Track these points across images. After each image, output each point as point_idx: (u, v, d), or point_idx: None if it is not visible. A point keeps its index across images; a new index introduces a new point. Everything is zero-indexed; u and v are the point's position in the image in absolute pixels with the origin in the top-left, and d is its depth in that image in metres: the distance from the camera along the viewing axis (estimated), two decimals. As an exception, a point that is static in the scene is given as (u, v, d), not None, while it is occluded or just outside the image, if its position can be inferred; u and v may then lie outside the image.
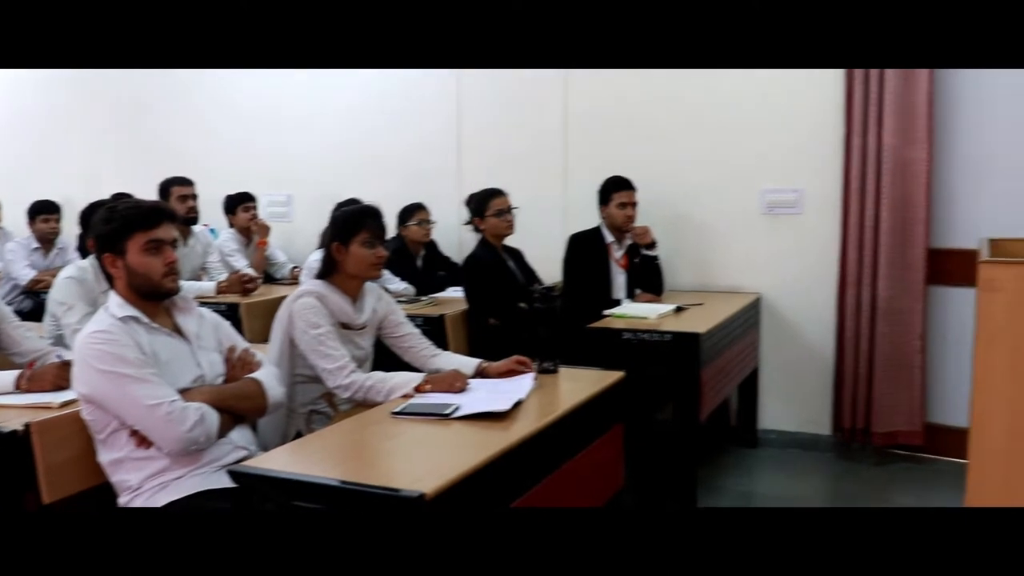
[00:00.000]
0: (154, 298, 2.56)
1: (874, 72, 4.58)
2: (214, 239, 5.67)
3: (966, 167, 4.65)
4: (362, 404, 2.91)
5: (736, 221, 5.05)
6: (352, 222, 3.11)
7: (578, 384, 2.99)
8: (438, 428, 2.52)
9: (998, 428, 2.00)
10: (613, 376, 3.09)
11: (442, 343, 4.05)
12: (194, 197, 5.24)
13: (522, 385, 2.85)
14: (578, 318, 4.24)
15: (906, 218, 4.61)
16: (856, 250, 4.72)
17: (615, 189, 4.74)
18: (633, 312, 4.28)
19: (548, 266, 4.87)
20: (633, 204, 4.76)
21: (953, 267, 4.57)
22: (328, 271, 3.12)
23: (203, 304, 2.91)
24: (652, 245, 4.81)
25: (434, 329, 4.31)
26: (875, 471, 4.77)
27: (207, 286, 4.90)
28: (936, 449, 4.70)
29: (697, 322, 4.11)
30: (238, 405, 2.61)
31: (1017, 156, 4.55)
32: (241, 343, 2.81)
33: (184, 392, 2.48)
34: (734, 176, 5.02)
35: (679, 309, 4.41)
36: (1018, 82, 4.48)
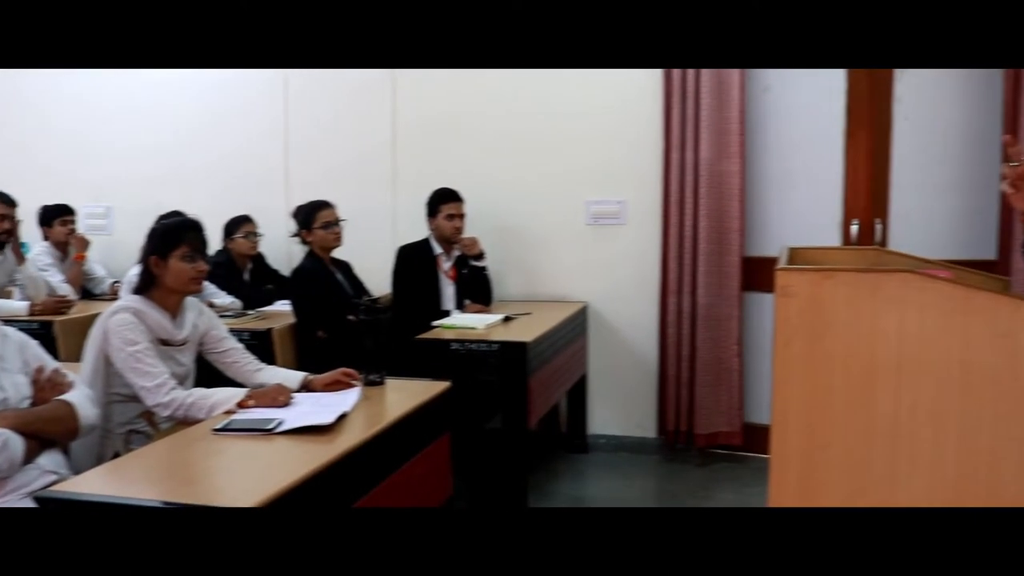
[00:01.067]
0: None
1: (691, 91, 4.78)
2: (25, 253, 5.38)
3: (775, 180, 4.95)
4: (183, 422, 2.82)
5: (562, 231, 5.17)
6: (171, 235, 3.03)
7: (404, 395, 3.00)
8: (261, 444, 2.48)
9: (796, 426, 2.13)
10: (440, 386, 3.12)
11: (269, 357, 3.99)
12: (11, 219, 4.96)
13: (347, 398, 2.84)
14: (408, 330, 4.25)
15: (722, 228, 4.84)
16: (676, 259, 4.90)
17: (442, 201, 4.78)
18: (462, 323, 4.32)
19: (378, 278, 4.85)
20: (461, 215, 4.80)
21: (765, 274, 4.76)
22: (146, 286, 3.03)
23: (9, 323, 2.77)
24: (480, 256, 4.87)
25: (261, 343, 4.23)
26: (699, 471, 4.95)
27: (18, 306, 4.64)
28: (755, 447, 4.92)
29: (524, 331, 4.18)
30: (46, 429, 2.50)
31: (816, 170, 4.91)
32: (50, 363, 2.69)
33: (-14, 417, 2.37)
34: (560, 188, 5.14)
35: (507, 319, 4.47)
36: (815, 102, 4.88)
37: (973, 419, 2.04)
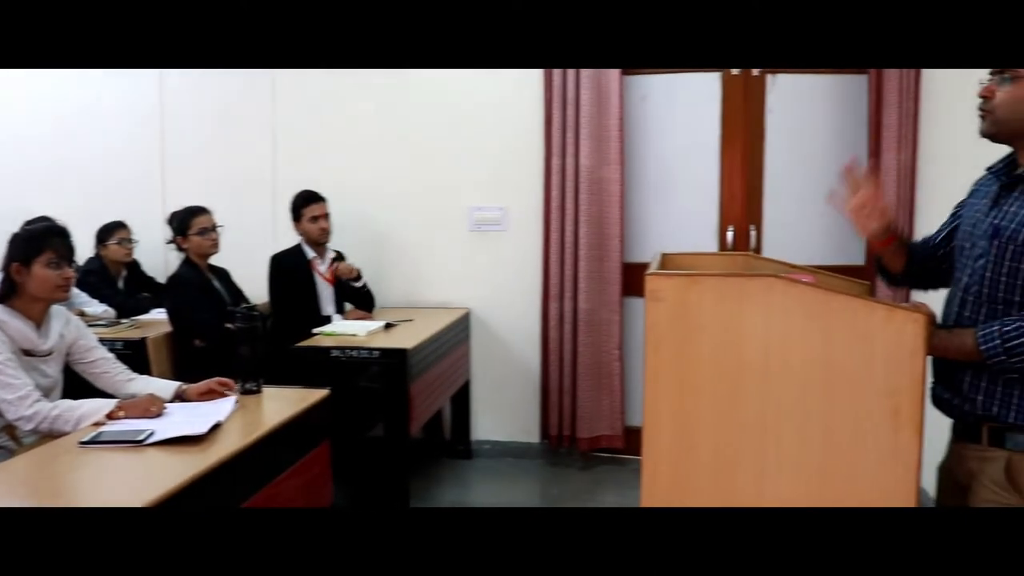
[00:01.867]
0: None
1: (571, 98, 4.84)
2: None
3: (654, 187, 5.05)
4: (49, 436, 2.73)
5: (445, 238, 5.17)
6: (34, 241, 2.92)
7: (282, 403, 2.97)
8: (131, 456, 2.42)
9: (666, 428, 2.17)
10: (318, 394, 3.09)
11: (144, 367, 3.88)
12: None
13: (222, 407, 2.79)
14: (288, 338, 4.20)
15: (602, 234, 4.91)
16: (558, 265, 4.95)
17: (304, 204, 4.73)
18: (342, 330, 4.29)
19: (258, 285, 4.75)
20: (325, 216, 4.74)
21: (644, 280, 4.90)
22: (8, 294, 2.91)
23: None
24: (358, 278, 4.83)
25: (136, 353, 4.11)
26: (581, 475, 5.01)
27: None
28: (637, 450, 4.91)
29: (406, 338, 4.18)
30: None
31: (693, 177, 5.04)
32: None
33: None
34: (443, 194, 5.14)
35: (388, 326, 4.45)
36: (691, 111, 5.01)
37: (835, 419, 2.10)
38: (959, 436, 2.23)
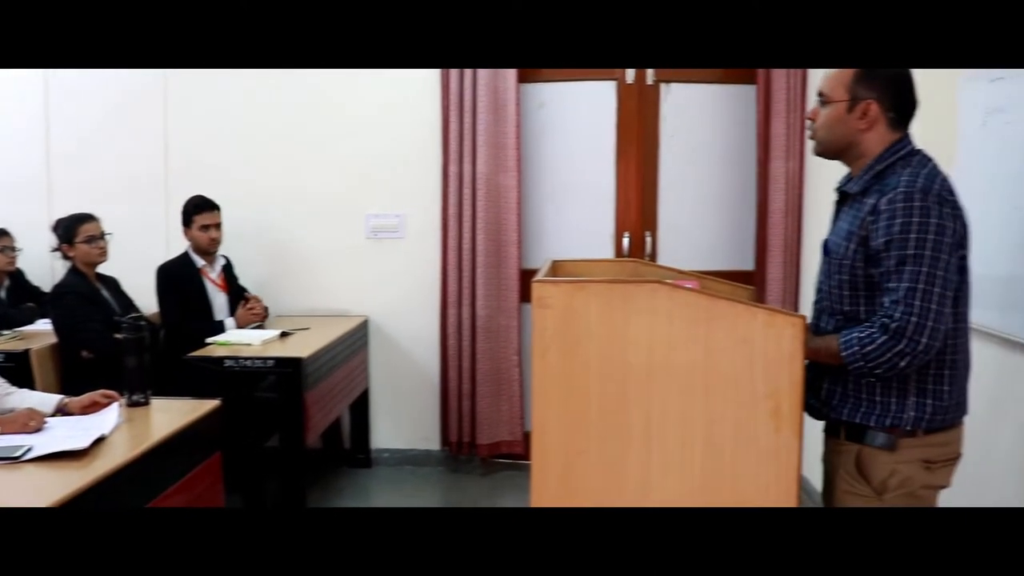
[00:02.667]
0: None
1: (468, 106, 4.85)
2: None
3: (551, 193, 5.11)
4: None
5: (342, 245, 5.13)
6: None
7: (171, 415, 2.91)
8: (7, 473, 2.34)
9: (554, 433, 2.19)
10: (208, 405, 3.03)
11: (28, 380, 3.75)
12: None
13: (106, 420, 2.72)
14: (181, 348, 4.12)
15: (500, 241, 4.93)
16: (456, 272, 4.95)
17: (196, 211, 4.61)
18: (237, 339, 4.22)
19: (151, 294, 4.61)
20: (217, 225, 4.65)
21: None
22: None
23: None
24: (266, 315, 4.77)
25: (19, 365, 3.98)
26: (482, 481, 5.03)
27: None
28: (536, 456, 5.00)
29: (301, 347, 4.13)
30: None
31: (590, 184, 5.11)
32: None
33: None
34: (339, 201, 5.10)
35: (284, 334, 4.40)
36: (587, 119, 5.08)
37: (718, 420, 2.15)
38: (827, 431, 2.38)
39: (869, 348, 2.08)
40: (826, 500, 2.47)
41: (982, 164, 2.83)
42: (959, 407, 2.24)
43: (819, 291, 2.35)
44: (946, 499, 2.30)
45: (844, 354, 2.13)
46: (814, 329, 2.34)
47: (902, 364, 2.06)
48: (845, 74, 2.20)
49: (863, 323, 2.15)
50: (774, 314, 2.14)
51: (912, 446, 2.19)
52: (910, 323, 2.03)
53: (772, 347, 2.12)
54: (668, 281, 2.21)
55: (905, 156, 2.19)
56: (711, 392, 2.14)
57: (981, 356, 2.87)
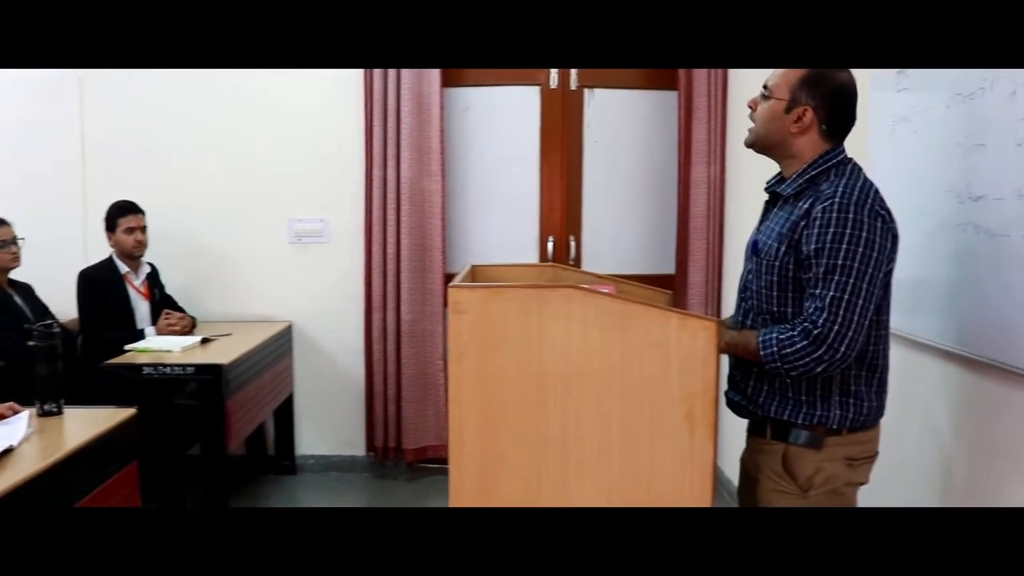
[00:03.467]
0: None
1: (392, 110, 4.84)
2: None
3: (476, 198, 5.12)
4: None
5: (265, 250, 5.07)
6: None
7: (84, 424, 2.84)
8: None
9: (471, 438, 2.19)
10: (125, 413, 2.98)
11: (-64, 392, 3.65)
12: None
13: (14, 431, 2.65)
14: (100, 356, 4.03)
15: (424, 246, 4.93)
16: (380, 276, 4.93)
17: (120, 214, 4.53)
18: (156, 346, 4.16)
19: (69, 300, 4.50)
20: (142, 228, 4.58)
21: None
22: None
23: None
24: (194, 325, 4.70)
25: (-74, 376, 3.88)
26: (408, 486, 5.01)
27: None
28: (462, 460, 5.00)
29: (223, 353, 4.08)
30: None
31: (515, 189, 5.14)
32: None
33: None
34: (262, 205, 5.04)
35: (205, 341, 4.34)
36: (512, 123, 5.11)
37: (633, 424, 2.18)
38: (750, 431, 2.43)
39: (788, 351, 2.13)
40: (744, 499, 2.52)
41: (891, 171, 2.91)
42: (880, 409, 2.31)
43: (745, 290, 2.39)
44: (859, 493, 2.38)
45: (762, 352, 2.17)
46: (739, 327, 2.39)
47: (818, 369, 2.12)
48: (792, 75, 2.24)
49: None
50: (687, 318, 2.17)
51: (837, 444, 2.25)
52: (832, 332, 2.08)
53: (686, 351, 2.15)
54: (584, 286, 2.24)
55: (838, 164, 2.24)
56: (627, 396, 2.17)
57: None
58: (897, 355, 2.72)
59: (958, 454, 2.71)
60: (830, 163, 2.24)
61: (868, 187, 2.19)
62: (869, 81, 3.12)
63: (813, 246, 2.12)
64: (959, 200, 2.61)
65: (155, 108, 5.01)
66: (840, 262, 2.09)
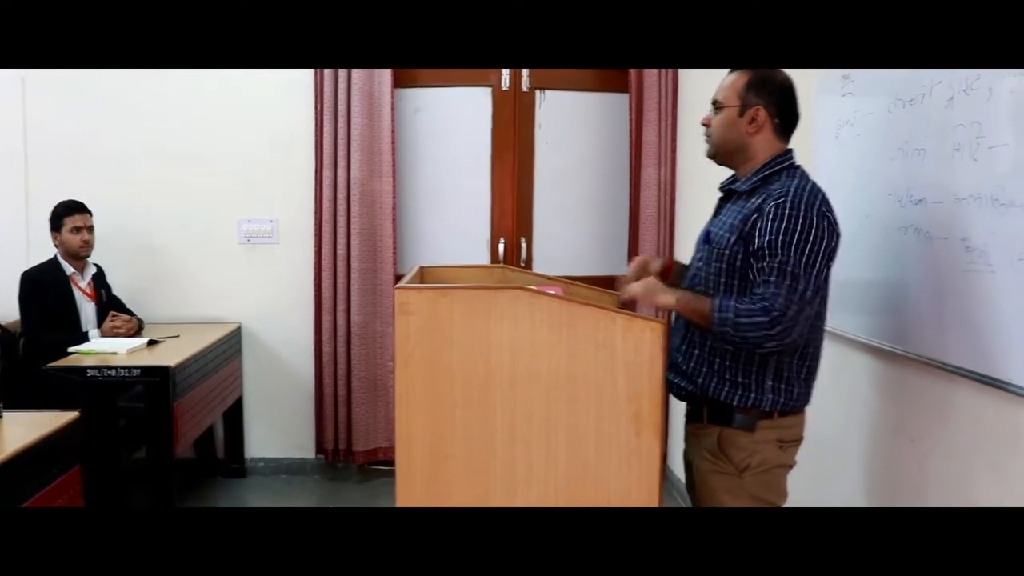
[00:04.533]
0: None
1: (342, 110, 4.81)
2: None
3: (427, 199, 5.11)
4: None
5: (213, 251, 5.01)
6: None
7: (24, 428, 2.78)
8: None
9: (419, 440, 2.19)
10: (67, 417, 2.92)
11: None
12: None
13: (-48, 436, 2.61)
14: (44, 358, 3.96)
15: (375, 247, 4.91)
16: (331, 278, 4.90)
17: (67, 213, 4.44)
18: (102, 348, 4.09)
19: (9, 302, 4.42)
20: (89, 228, 4.50)
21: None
22: None
23: None
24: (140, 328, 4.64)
25: None
26: (359, 488, 4.99)
27: None
28: (413, 462, 4.98)
29: (170, 355, 4.03)
30: None
31: (466, 190, 5.14)
32: None
33: None
34: (210, 206, 4.98)
35: (152, 343, 4.28)
36: (464, 125, 5.10)
37: (580, 424, 2.20)
38: (689, 418, 2.50)
39: (744, 320, 2.19)
40: (689, 488, 2.57)
41: (836, 174, 2.95)
42: (807, 396, 2.42)
43: (695, 276, 2.47)
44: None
45: (717, 315, 2.22)
46: None
47: (766, 346, 2.21)
48: (738, 81, 2.39)
49: None
50: (633, 319, 2.19)
51: (768, 427, 2.35)
52: (787, 316, 2.18)
53: (632, 352, 2.17)
54: (531, 287, 2.25)
55: (788, 167, 2.38)
56: (574, 396, 2.19)
57: (832, 355, 3.01)
58: (829, 351, 2.78)
59: (884, 445, 2.78)
60: (781, 166, 2.37)
61: (817, 190, 2.31)
62: (815, 85, 3.16)
63: (767, 238, 2.22)
64: (900, 203, 2.65)
65: (101, 107, 4.93)
66: (794, 255, 2.20)
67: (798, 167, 2.40)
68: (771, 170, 2.37)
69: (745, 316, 2.19)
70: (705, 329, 2.29)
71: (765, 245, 2.22)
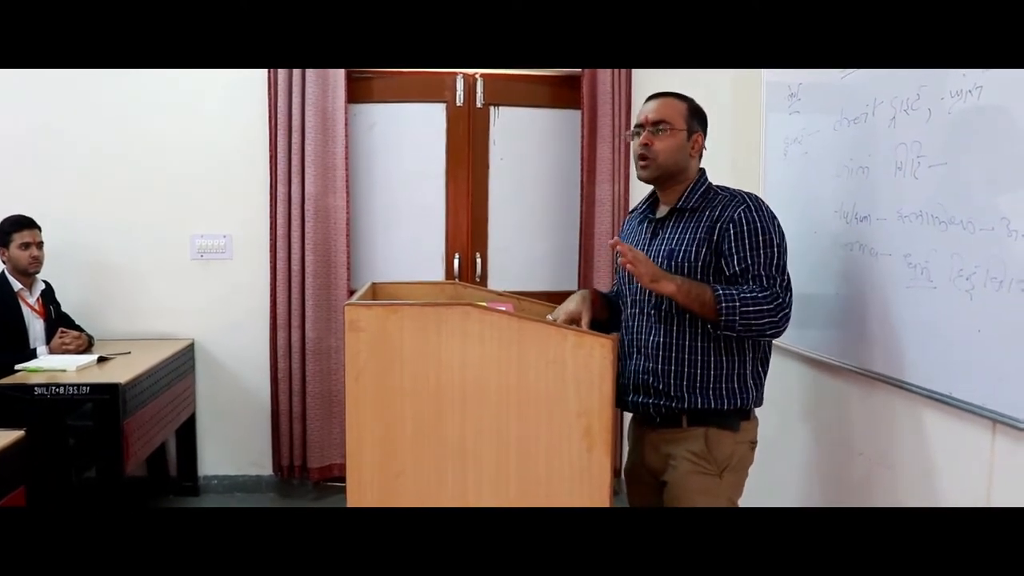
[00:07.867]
0: None
1: (296, 126, 4.80)
2: None
3: (381, 215, 5.11)
4: None
5: (166, 266, 4.95)
6: None
7: (-33, 448, 2.76)
8: None
9: (370, 457, 2.19)
10: (11, 436, 2.88)
11: None
12: None
13: None
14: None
15: (329, 262, 4.89)
16: (285, 293, 4.88)
17: (14, 230, 4.37)
18: (50, 365, 4.04)
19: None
20: (39, 244, 4.44)
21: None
22: None
23: None
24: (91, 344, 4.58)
25: None
26: (314, 505, 4.95)
27: None
28: (368, 478, 4.96)
29: (120, 372, 3.98)
30: None
31: (421, 205, 5.14)
32: None
33: None
34: (163, 221, 4.92)
35: (102, 359, 4.23)
36: (418, 140, 5.10)
37: (531, 440, 2.21)
38: (661, 424, 2.53)
39: (751, 308, 2.31)
40: (644, 503, 2.62)
41: (784, 190, 3.00)
42: (761, 398, 2.56)
43: (654, 301, 2.51)
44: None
45: (724, 304, 2.32)
46: (632, 338, 2.58)
47: (768, 333, 2.37)
48: (680, 107, 2.54)
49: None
50: (583, 335, 2.21)
51: (747, 428, 2.50)
52: (789, 310, 2.36)
53: (583, 368, 2.19)
54: (481, 304, 2.26)
55: (709, 182, 2.56)
56: (524, 413, 2.20)
57: (786, 371, 3.04)
58: (794, 369, 2.83)
59: (830, 456, 2.82)
60: (707, 181, 2.57)
61: (756, 195, 2.53)
62: (764, 103, 3.21)
63: (745, 241, 2.39)
64: (846, 220, 2.71)
65: (49, 119, 4.85)
66: (780, 256, 2.40)
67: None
68: (705, 185, 2.54)
69: (752, 304, 2.31)
70: (702, 316, 2.37)
71: (753, 246, 2.38)
